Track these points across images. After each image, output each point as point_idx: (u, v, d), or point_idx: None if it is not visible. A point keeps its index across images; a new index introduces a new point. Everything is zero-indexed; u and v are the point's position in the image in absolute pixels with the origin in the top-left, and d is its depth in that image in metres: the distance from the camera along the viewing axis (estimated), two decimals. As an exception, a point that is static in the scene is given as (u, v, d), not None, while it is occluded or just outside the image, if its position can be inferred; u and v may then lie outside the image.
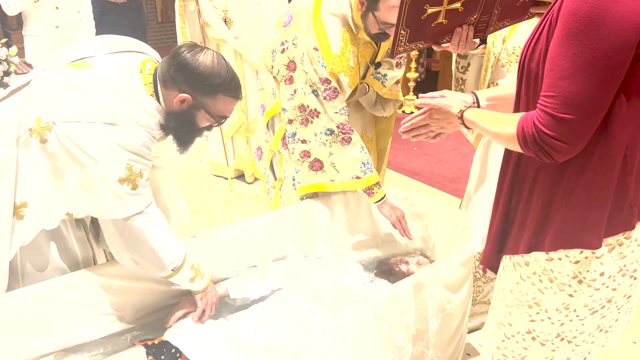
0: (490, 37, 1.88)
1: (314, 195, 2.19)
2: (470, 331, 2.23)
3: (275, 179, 2.33)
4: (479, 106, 1.40)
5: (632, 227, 1.14)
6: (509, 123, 1.11)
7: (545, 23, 1.08)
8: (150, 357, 1.58)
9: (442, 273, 1.68)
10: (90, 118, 1.45)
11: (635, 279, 1.21)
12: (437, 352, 1.76)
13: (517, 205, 1.23)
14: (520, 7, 1.51)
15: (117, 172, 1.49)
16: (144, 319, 1.80)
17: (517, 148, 1.11)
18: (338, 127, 1.98)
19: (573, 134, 1.02)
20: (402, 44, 1.50)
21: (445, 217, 2.10)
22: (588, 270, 1.16)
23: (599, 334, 1.27)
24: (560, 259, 1.17)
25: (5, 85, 3.07)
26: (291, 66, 1.99)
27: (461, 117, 1.27)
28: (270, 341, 1.64)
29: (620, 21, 0.94)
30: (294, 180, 2.15)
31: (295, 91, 2.00)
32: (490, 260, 1.34)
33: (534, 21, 1.67)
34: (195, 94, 1.58)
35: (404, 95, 2.57)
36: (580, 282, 1.18)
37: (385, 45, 2.09)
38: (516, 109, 1.20)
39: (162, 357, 1.59)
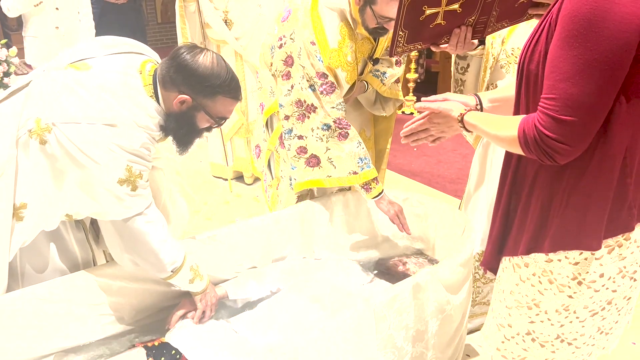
0: (489, 38, 1.88)
1: (310, 192, 2.18)
2: (470, 332, 2.23)
3: (273, 178, 2.33)
4: (482, 108, 1.40)
5: (631, 229, 1.14)
6: (510, 126, 1.11)
7: (545, 25, 1.08)
8: (150, 359, 1.58)
9: (442, 274, 1.68)
10: (89, 119, 1.45)
11: (635, 280, 1.21)
12: (436, 353, 1.76)
13: (516, 207, 1.23)
14: (519, 9, 1.51)
15: (116, 174, 1.49)
16: (144, 320, 1.80)
17: (518, 150, 1.11)
18: (335, 122, 1.97)
19: (575, 136, 1.02)
20: (401, 44, 1.50)
21: (445, 218, 2.10)
22: (588, 272, 1.16)
23: (599, 336, 1.27)
24: (559, 260, 1.17)
25: (5, 86, 3.07)
26: (289, 61, 1.98)
27: (461, 121, 1.28)
28: (270, 342, 1.64)
29: (620, 23, 0.94)
30: (290, 179, 2.15)
31: (292, 86, 1.99)
32: (491, 262, 1.34)
33: (533, 22, 1.67)
34: (194, 95, 1.58)
35: (403, 96, 2.57)
36: (579, 283, 1.18)
37: (384, 41, 2.08)
38: (516, 110, 1.20)
39: (162, 358, 1.59)
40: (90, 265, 1.82)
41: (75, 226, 1.77)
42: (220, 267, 1.91)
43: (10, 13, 3.66)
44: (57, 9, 3.79)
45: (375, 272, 2.12)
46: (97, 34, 3.99)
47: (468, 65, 2.06)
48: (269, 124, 2.24)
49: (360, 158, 2.00)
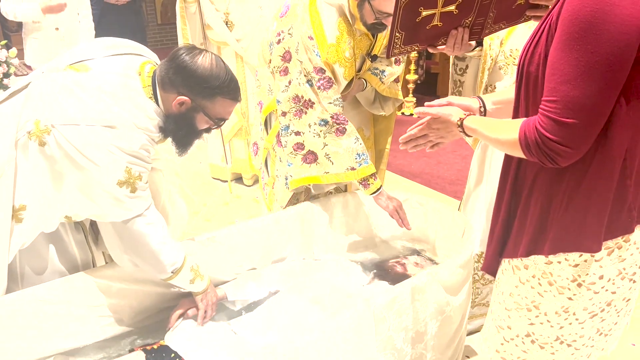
0: (486, 39, 1.88)
1: (306, 190, 2.17)
2: (469, 333, 2.23)
3: (269, 176, 2.33)
4: (485, 110, 1.40)
5: (631, 231, 1.14)
6: (510, 129, 1.11)
7: (545, 26, 1.08)
8: (149, 361, 1.58)
9: (442, 275, 1.68)
10: (89, 121, 1.45)
11: (634, 282, 1.21)
12: (436, 355, 1.76)
13: (516, 209, 1.23)
14: (516, 10, 1.51)
15: (116, 175, 1.48)
16: (143, 322, 1.80)
17: (519, 154, 1.11)
18: (332, 117, 1.96)
19: (576, 138, 1.02)
20: (398, 46, 1.50)
21: (444, 219, 2.10)
22: (587, 274, 1.16)
23: (598, 337, 1.27)
24: (559, 262, 1.17)
25: (5, 87, 3.07)
26: (286, 56, 1.98)
27: (461, 125, 1.28)
28: (270, 344, 1.64)
29: (621, 25, 0.94)
30: (286, 178, 2.15)
31: (290, 82, 1.99)
32: (493, 266, 1.34)
33: (532, 24, 1.67)
34: (193, 97, 1.58)
35: (403, 97, 2.57)
36: (579, 285, 1.18)
37: (382, 37, 2.08)
38: (515, 112, 1.20)
39: (161, 361, 1.59)
40: (89, 266, 1.82)
41: (75, 228, 1.77)
42: (219, 269, 1.91)
43: (10, 17, 3.68)
44: (57, 10, 3.79)
45: (376, 272, 2.12)
46: (96, 35, 3.99)
47: (467, 66, 2.06)
48: (267, 123, 2.23)
49: (358, 154, 1.99)
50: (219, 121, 1.66)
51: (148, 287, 1.78)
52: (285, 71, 1.99)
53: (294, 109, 1.99)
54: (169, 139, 1.68)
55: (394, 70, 2.22)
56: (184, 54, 1.56)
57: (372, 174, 2.01)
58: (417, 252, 2.22)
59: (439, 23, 1.48)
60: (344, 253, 2.20)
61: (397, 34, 1.46)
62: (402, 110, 5.75)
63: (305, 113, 1.98)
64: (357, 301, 1.60)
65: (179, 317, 1.75)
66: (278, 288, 1.93)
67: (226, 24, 3.47)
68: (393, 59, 2.20)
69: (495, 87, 1.96)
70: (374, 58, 2.14)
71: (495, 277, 1.36)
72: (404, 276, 2.00)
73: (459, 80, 2.11)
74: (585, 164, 1.09)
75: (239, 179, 4.03)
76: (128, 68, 1.59)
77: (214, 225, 3.39)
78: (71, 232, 1.75)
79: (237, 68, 3.57)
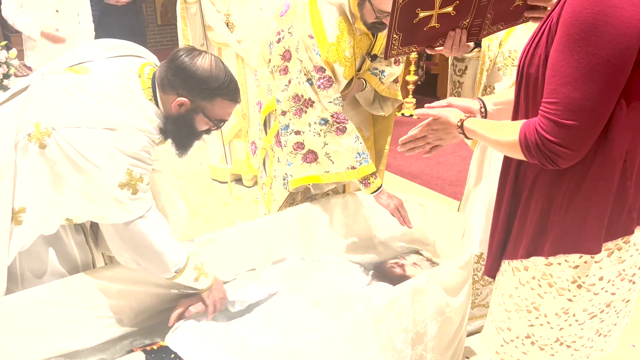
0: (485, 41, 1.88)
1: (304, 190, 2.17)
2: (469, 334, 2.23)
3: (267, 176, 2.33)
4: (486, 111, 1.40)
5: (631, 232, 1.14)
6: (510, 131, 1.11)
7: (545, 28, 1.08)
8: (149, 362, 1.58)
9: (441, 276, 1.68)
10: (89, 123, 1.45)
11: (634, 283, 1.21)
12: (436, 356, 1.76)
13: (516, 210, 1.23)
14: (514, 11, 1.51)
15: (117, 177, 1.49)
16: (143, 323, 1.80)
17: (519, 155, 1.11)
18: (332, 116, 1.96)
19: (576, 140, 1.02)
20: (395, 47, 1.50)
21: (444, 220, 2.10)
22: (587, 275, 1.16)
23: (598, 338, 1.27)
24: (559, 263, 1.17)
25: (5, 88, 3.07)
26: (286, 55, 1.98)
27: (461, 127, 1.27)
28: (270, 345, 1.64)
29: (622, 27, 0.94)
30: (284, 179, 2.14)
31: (289, 81, 1.98)
32: (493, 268, 1.34)
33: (531, 25, 1.67)
34: (193, 98, 1.58)
35: (403, 98, 2.57)
36: (579, 286, 1.18)
37: (382, 37, 2.08)
38: (515, 114, 1.20)
39: (162, 362, 1.59)
40: (89, 267, 1.82)
41: (75, 229, 1.77)
42: (219, 270, 1.91)
43: (9, 21, 3.69)
44: (57, 11, 3.79)
45: (375, 273, 2.12)
46: (97, 36, 3.99)
47: (466, 67, 2.06)
48: (266, 123, 2.22)
49: (358, 153, 1.99)
50: (218, 122, 1.66)
51: (148, 288, 1.78)
52: (285, 70, 1.99)
53: (294, 108, 1.99)
54: (169, 140, 1.68)
55: (393, 71, 2.23)
56: (183, 56, 1.56)
57: (372, 173, 2.01)
58: (417, 253, 2.22)
59: (436, 24, 1.48)
60: (343, 254, 2.21)
61: (395, 35, 1.46)
62: (402, 111, 5.74)
63: (305, 112, 1.98)
64: (357, 302, 1.60)
65: (179, 316, 1.75)
66: (278, 289, 1.93)
67: (227, 25, 3.46)
68: (392, 59, 2.20)
69: (494, 88, 1.96)
70: (374, 57, 2.14)
71: (493, 278, 1.36)
72: (403, 277, 2.00)
73: (458, 81, 2.11)
74: (586, 165, 1.09)
75: (238, 180, 4.03)
76: (128, 70, 1.59)
77: (214, 226, 3.40)
78: (71, 234, 1.75)
79: (238, 69, 3.57)
